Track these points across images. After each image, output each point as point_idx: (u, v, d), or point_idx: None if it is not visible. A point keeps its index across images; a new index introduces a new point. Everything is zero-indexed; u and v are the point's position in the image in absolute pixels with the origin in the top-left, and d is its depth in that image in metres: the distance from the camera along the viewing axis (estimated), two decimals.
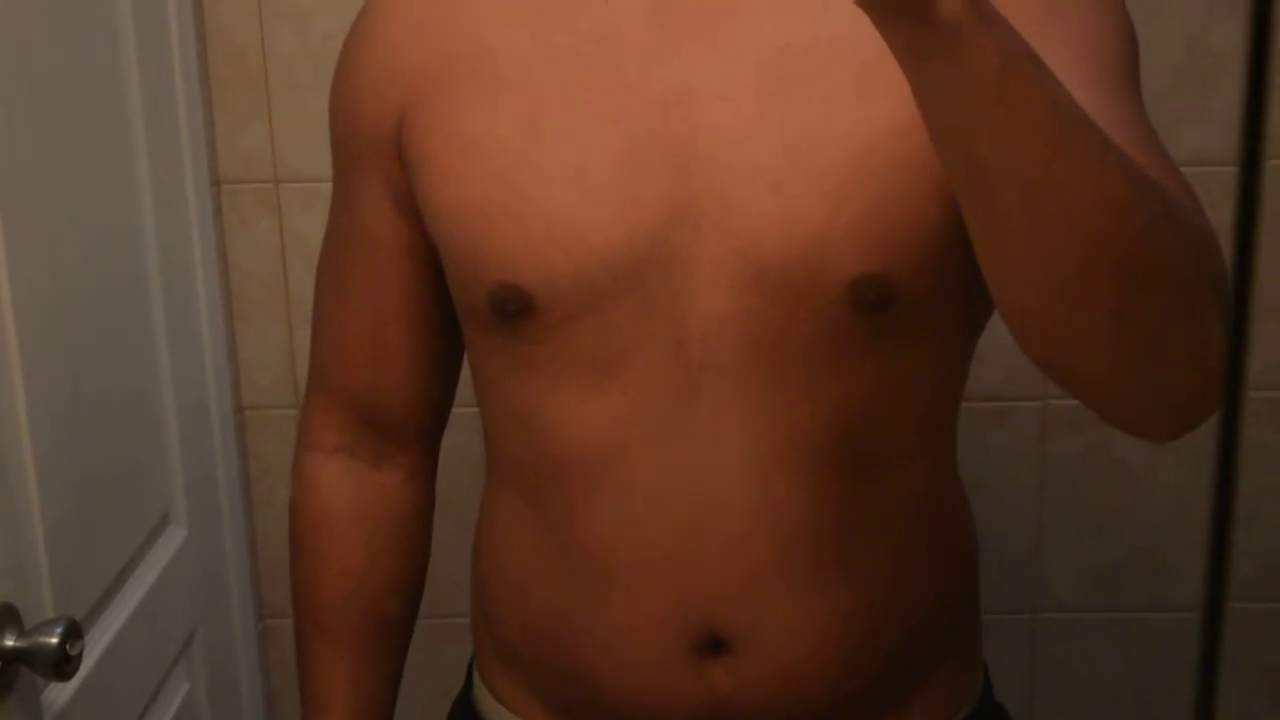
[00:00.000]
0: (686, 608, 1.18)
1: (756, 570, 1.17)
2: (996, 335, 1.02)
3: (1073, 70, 0.97)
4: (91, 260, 1.58)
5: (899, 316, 1.12)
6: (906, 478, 1.21)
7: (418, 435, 1.40)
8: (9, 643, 1.28)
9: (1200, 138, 1.95)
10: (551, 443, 1.19)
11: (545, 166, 1.14)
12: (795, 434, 1.15)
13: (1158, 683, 2.22)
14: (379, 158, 1.24)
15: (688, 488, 1.16)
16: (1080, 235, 0.84)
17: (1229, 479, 0.41)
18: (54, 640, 1.29)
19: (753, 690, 1.19)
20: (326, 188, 1.35)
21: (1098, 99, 0.97)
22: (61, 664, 1.29)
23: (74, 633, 1.30)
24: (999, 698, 1.39)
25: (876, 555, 1.20)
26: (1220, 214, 1.91)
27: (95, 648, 1.54)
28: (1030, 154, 0.82)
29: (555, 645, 1.25)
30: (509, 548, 1.28)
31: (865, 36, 0.84)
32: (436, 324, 1.32)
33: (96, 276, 1.59)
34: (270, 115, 2.01)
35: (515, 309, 1.15)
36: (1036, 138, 0.81)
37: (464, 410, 1.40)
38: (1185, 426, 0.96)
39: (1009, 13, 0.84)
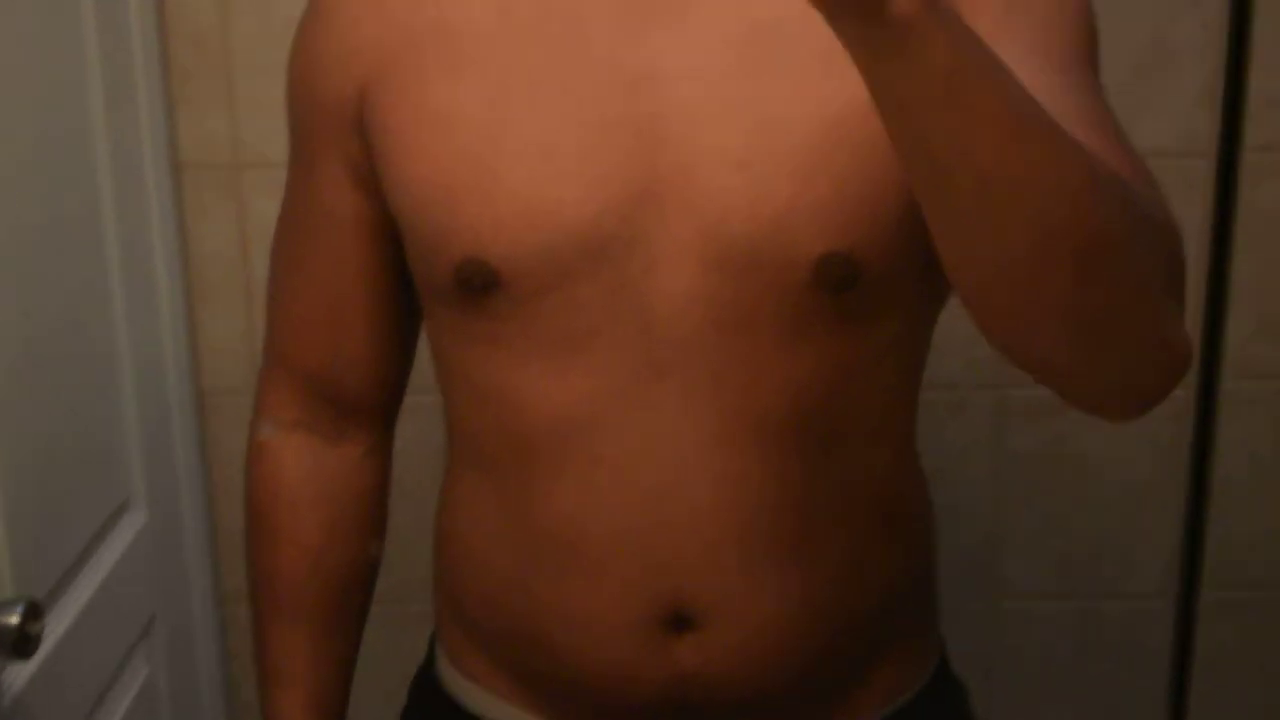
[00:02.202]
0: (651, 583, 1.18)
1: (721, 546, 1.18)
2: (954, 325, 1.03)
3: (1033, 58, 0.97)
4: (51, 245, 1.58)
5: (863, 295, 1.13)
6: (868, 455, 1.22)
7: (375, 411, 1.40)
8: None
9: (1160, 129, 1.97)
10: (516, 419, 1.19)
11: (512, 143, 1.14)
12: (760, 411, 1.15)
13: (1114, 670, 2.24)
14: (338, 133, 1.24)
15: (653, 464, 1.16)
16: (1037, 227, 0.85)
17: (1204, 467, 0.41)
18: (14, 620, 1.29)
19: (717, 664, 1.20)
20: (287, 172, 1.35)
21: (1058, 86, 0.98)
22: (20, 644, 1.29)
23: (34, 613, 1.30)
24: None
25: (838, 531, 1.21)
26: (1180, 204, 1.93)
27: (54, 630, 1.54)
28: (985, 149, 0.82)
29: (519, 620, 1.25)
30: (472, 524, 1.28)
31: None
32: (394, 299, 1.32)
33: (56, 261, 1.59)
34: (232, 100, 2.01)
35: (481, 284, 1.15)
36: (991, 133, 0.81)
37: (423, 399, 1.41)
38: (1143, 407, 0.97)
39: (969, 1, 0.85)
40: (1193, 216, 2.03)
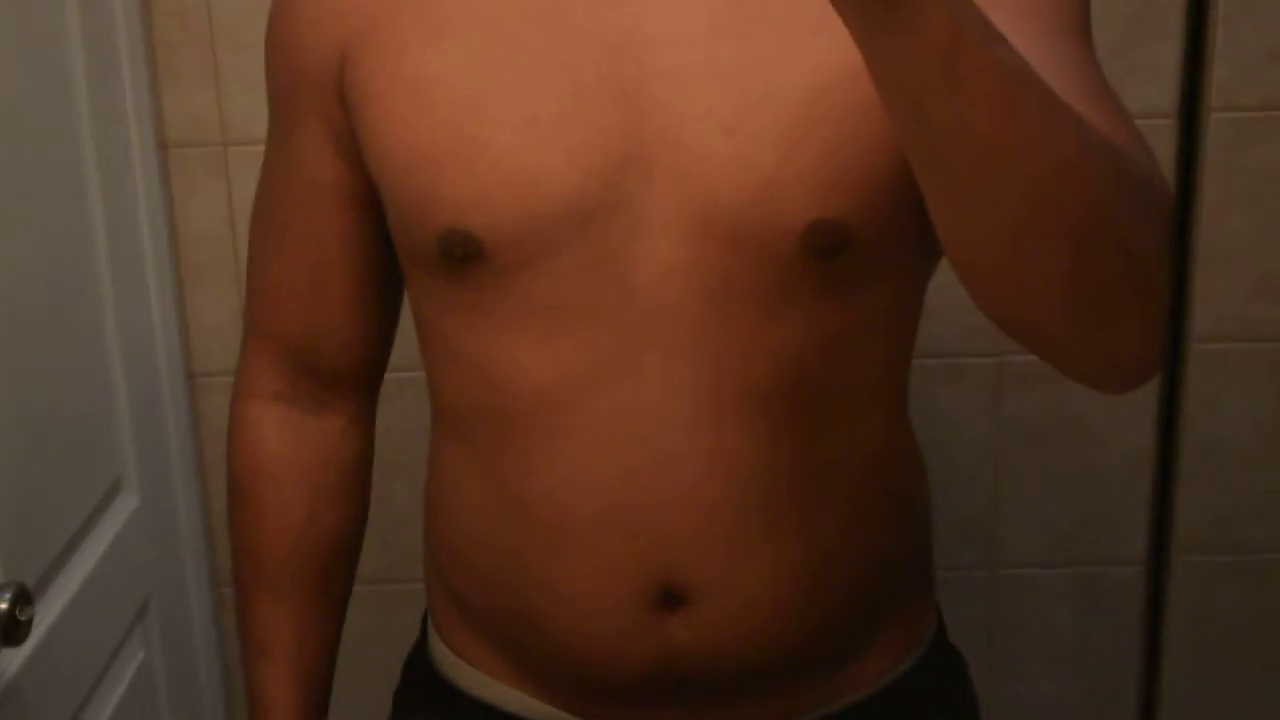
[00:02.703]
0: (640, 559, 1.17)
1: (710, 520, 1.17)
2: (950, 292, 1.02)
3: (1026, 24, 0.96)
4: (37, 227, 1.57)
5: (853, 262, 1.12)
6: (860, 425, 1.21)
7: (357, 382, 1.39)
8: None
9: (1151, 91, 1.95)
10: (499, 391, 1.18)
11: (494, 110, 1.13)
12: (748, 382, 1.14)
13: (1114, 637, 2.23)
14: (319, 100, 1.23)
15: (639, 437, 1.15)
16: (1033, 199, 0.84)
17: (1172, 429, 0.40)
18: (3, 605, 1.28)
19: (709, 640, 1.19)
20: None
21: (1051, 52, 0.97)
22: (11, 629, 1.29)
23: (23, 598, 1.30)
24: (960, 652, 1.40)
25: (830, 504, 1.20)
26: (1171, 166, 1.92)
27: (47, 615, 1.53)
28: (981, 121, 0.81)
29: (509, 598, 1.24)
30: (459, 500, 1.27)
31: None
32: (376, 268, 1.31)
33: (43, 243, 1.58)
34: (217, 78, 1.99)
35: (464, 254, 1.14)
36: (988, 104, 0.80)
37: (418, 374, 1.40)
38: (1139, 379, 0.96)
39: None
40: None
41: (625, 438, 1.15)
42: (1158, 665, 0.42)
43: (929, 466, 1.33)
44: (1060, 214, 0.85)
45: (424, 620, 1.41)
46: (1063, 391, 2.11)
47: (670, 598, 1.18)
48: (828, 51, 1.07)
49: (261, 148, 1.31)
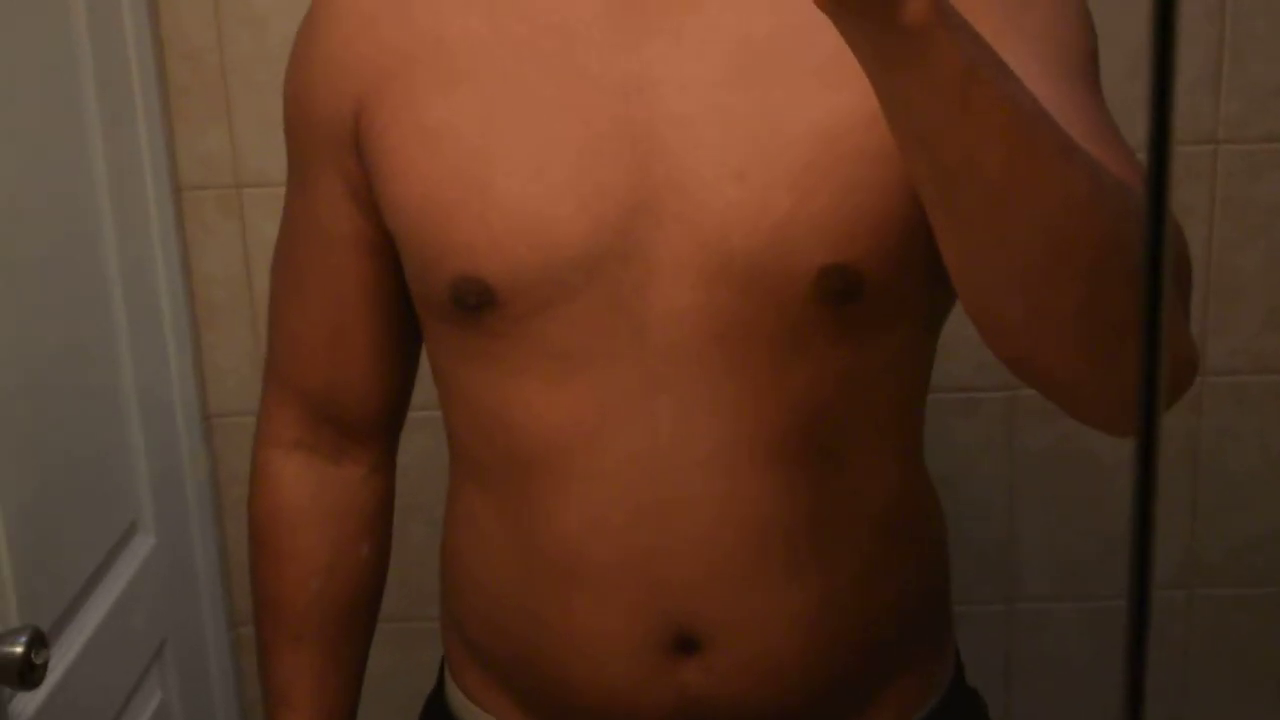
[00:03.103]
0: (655, 604, 1.17)
1: (725, 565, 1.17)
2: (964, 327, 1.02)
3: (1034, 65, 0.97)
4: (53, 270, 1.57)
5: (866, 307, 1.12)
6: (874, 469, 1.21)
7: (377, 430, 1.39)
8: None
9: None
10: (515, 438, 1.18)
11: (505, 159, 1.13)
12: (761, 427, 1.14)
13: None
14: (335, 152, 1.23)
15: (653, 482, 1.15)
16: (1044, 237, 0.85)
17: (1149, 469, 0.41)
18: (18, 650, 1.28)
19: (725, 686, 1.19)
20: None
21: (1059, 93, 0.97)
22: (26, 673, 1.29)
23: (39, 641, 1.30)
24: (976, 689, 1.39)
25: (846, 547, 1.20)
26: (1180, 194, 1.92)
27: (63, 657, 1.53)
28: (994, 157, 0.81)
29: (524, 644, 1.24)
30: (474, 546, 1.27)
31: (828, 27, 0.84)
32: (395, 318, 1.31)
33: (59, 286, 1.59)
34: (230, 119, 2.00)
35: (476, 302, 1.14)
36: (1000, 141, 0.81)
37: (436, 414, 1.40)
38: None
39: (971, 9, 0.84)
40: (1199, 205, 2.02)
41: (638, 482, 1.15)
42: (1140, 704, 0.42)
43: (943, 500, 1.33)
44: (1071, 252, 0.85)
45: (441, 664, 1.41)
46: (1076, 425, 2.10)
47: (685, 643, 1.18)
48: (838, 99, 1.07)
49: (275, 189, 1.32)
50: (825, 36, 0.93)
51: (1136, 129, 1.68)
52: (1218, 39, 1.98)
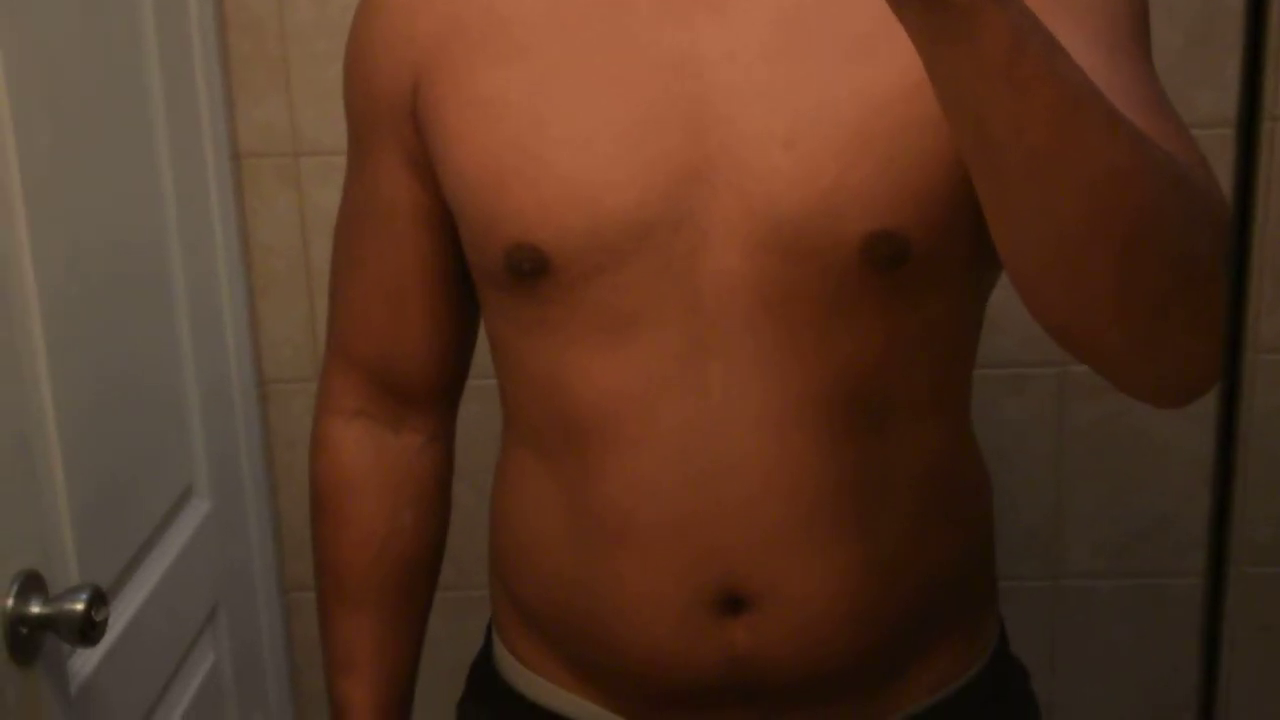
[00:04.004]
0: (704, 566, 1.19)
1: (773, 527, 1.18)
2: (1012, 303, 1.03)
3: (1084, 39, 0.98)
4: (113, 238, 1.59)
5: (911, 273, 1.13)
6: (921, 435, 1.22)
7: (436, 399, 1.41)
8: (35, 609, 1.29)
9: (1215, 100, 1.95)
10: (568, 402, 1.21)
11: (558, 128, 1.16)
12: (809, 391, 1.16)
13: (1177, 649, 2.23)
14: (394, 123, 1.26)
15: (703, 446, 1.17)
16: (1088, 208, 0.86)
17: (1231, 440, 0.42)
18: (79, 607, 1.30)
19: (772, 646, 1.20)
20: (346, 161, 1.36)
21: (1109, 66, 0.98)
22: (87, 630, 1.31)
23: (99, 599, 1.32)
24: (1022, 663, 1.40)
25: (892, 511, 1.22)
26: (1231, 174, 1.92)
27: (120, 617, 1.56)
28: (1039, 130, 0.83)
29: (573, 605, 1.26)
30: (525, 508, 1.29)
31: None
32: (453, 288, 1.34)
33: (119, 253, 1.61)
34: (289, 88, 2.02)
35: (531, 268, 1.16)
36: (1046, 112, 0.83)
37: (484, 382, 1.41)
38: (1195, 392, 0.97)
39: None
40: (1261, 182, 2.02)
41: (689, 445, 1.17)
42: (1216, 678, 0.43)
43: (991, 476, 1.34)
44: (1114, 224, 0.86)
45: (488, 628, 1.43)
46: (1126, 401, 2.09)
47: (733, 603, 1.19)
48: (883, 69, 1.10)
49: (331, 157, 1.33)
50: (867, 9, 0.96)
51: (1195, 106, 1.68)
52: (1277, 20, 1.97)
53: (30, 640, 1.29)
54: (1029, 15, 0.82)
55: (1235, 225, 0.40)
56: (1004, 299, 1.22)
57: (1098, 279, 0.89)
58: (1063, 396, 2.11)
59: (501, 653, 1.38)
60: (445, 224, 1.29)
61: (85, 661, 1.45)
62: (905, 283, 1.14)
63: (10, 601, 1.27)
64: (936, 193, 1.11)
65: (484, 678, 1.42)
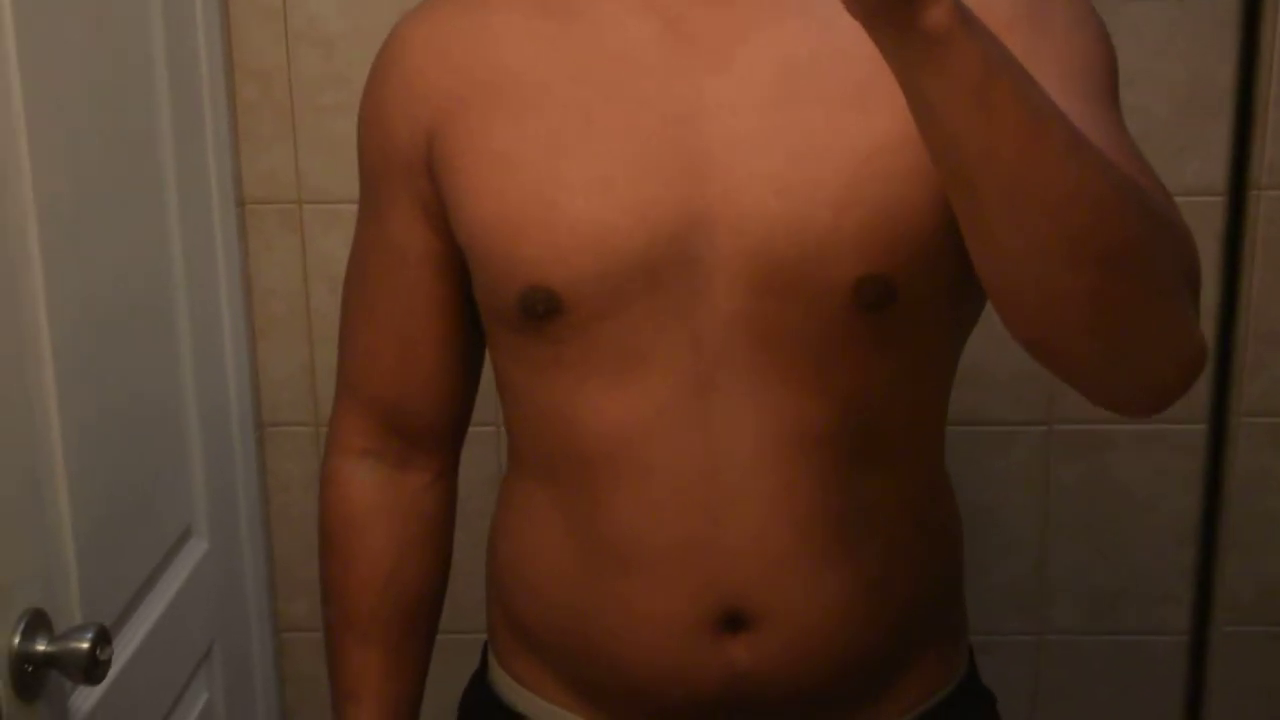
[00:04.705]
0: (708, 588, 1.24)
1: (772, 551, 1.24)
2: (1000, 362, 1.07)
3: (1057, 84, 1.04)
4: (121, 279, 1.62)
5: (898, 315, 1.20)
6: (906, 464, 1.30)
7: (442, 439, 1.46)
8: (40, 647, 1.31)
9: (1203, 169, 1.98)
10: (577, 436, 1.26)
11: (570, 178, 1.21)
12: (804, 424, 1.22)
13: (1160, 707, 2.25)
14: (409, 174, 1.31)
15: (705, 476, 1.23)
16: (1058, 227, 0.92)
17: (1217, 502, 0.44)
18: (85, 645, 1.32)
19: (769, 663, 1.26)
20: (348, 209, 1.39)
21: (1080, 111, 1.05)
22: (91, 668, 1.33)
23: (103, 638, 1.34)
24: (1003, 718, 1.44)
25: (879, 536, 1.28)
26: (1216, 238, 1.94)
27: (121, 655, 1.58)
28: (1010, 151, 0.89)
29: (577, 626, 1.31)
30: (529, 535, 1.34)
31: (864, 54, 0.92)
32: (461, 331, 1.39)
33: (125, 295, 1.63)
34: (295, 138, 2.05)
35: (544, 310, 1.21)
36: (1017, 136, 0.89)
37: (478, 429, 1.44)
38: (1162, 404, 1.05)
39: (1000, 32, 0.92)
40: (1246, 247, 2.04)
41: (692, 475, 1.23)
42: None
43: (977, 531, 1.37)
44: (1084, 242, 0.92)
45: (483, 650, 1.46)
46: (1110, 459, 2.13)
47: (734, 622, 1.25)
48: (874, 121, 1.16)
49: (334, 205, 1.35)
50: (861, 63, 1.03)
51: (1183, 174, 1.70)
52: (1263, 86, 2.01)
53: (34, 677, 1.31)
54: (999, 45, 0.89)
55: (1223, 294, 0.43)
56: (992, 359, 1.26)
57: (1070, 296, 0.95)
58: (1048, 454, 2.13)
59: (498, 673, 1.42)
60: (455, 269, 1.33)
61: (86, 698, 1.47)
62: (892, 323, 1.20)
63: (16, 639, 1.29)
64: (922, 240, 1.17)
65: (479, 697, 1.46)
